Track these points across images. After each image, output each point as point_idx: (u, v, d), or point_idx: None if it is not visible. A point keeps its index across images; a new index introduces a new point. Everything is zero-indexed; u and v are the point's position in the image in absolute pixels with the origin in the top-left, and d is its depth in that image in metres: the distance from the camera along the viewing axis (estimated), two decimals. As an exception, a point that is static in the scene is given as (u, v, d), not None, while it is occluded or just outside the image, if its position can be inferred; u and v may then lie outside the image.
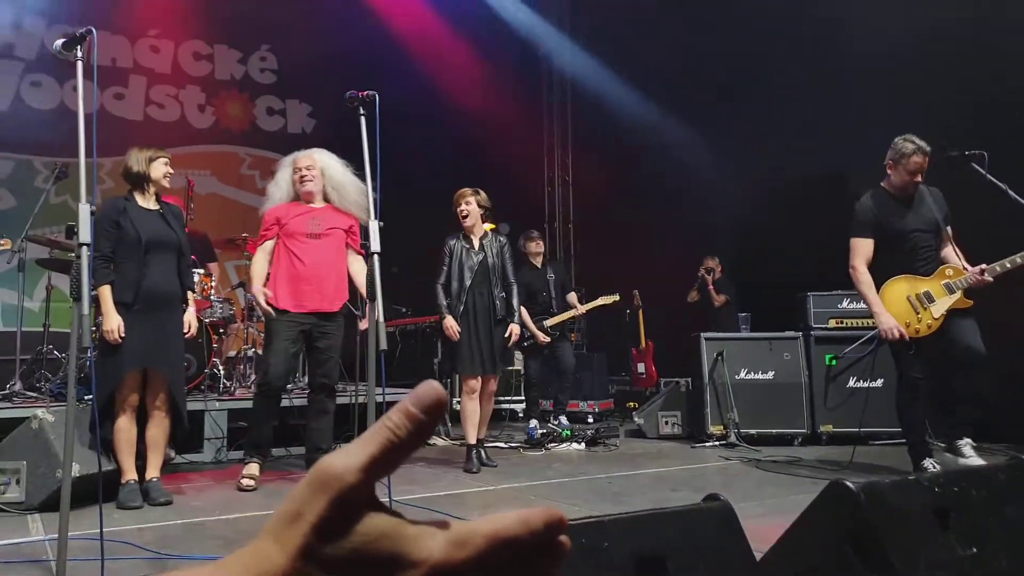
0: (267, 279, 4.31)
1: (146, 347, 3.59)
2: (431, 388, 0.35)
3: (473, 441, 4.68)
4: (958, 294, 3.93)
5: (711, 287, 7.56)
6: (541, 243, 6.88)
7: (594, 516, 1.20)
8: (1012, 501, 1.41)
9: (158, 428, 3.72)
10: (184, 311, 3.86)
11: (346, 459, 0.34)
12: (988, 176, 3.72)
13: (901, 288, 3.99)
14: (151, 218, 3.70)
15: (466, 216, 4.69)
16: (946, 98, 5.68)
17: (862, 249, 4.07)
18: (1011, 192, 3.58)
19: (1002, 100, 5.42)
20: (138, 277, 3.59)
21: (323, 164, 4.36)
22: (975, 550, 1.31)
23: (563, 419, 6.98)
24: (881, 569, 1.29)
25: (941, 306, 3.92)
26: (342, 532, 0.33)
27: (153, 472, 3.70)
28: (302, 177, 4.29)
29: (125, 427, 3.61)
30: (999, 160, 3.97)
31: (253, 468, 4.12)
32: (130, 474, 3.62)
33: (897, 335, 3.90)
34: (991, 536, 1.35)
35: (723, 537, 1.23)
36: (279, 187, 4.40)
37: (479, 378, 4.66)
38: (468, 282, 4.63)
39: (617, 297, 6.80)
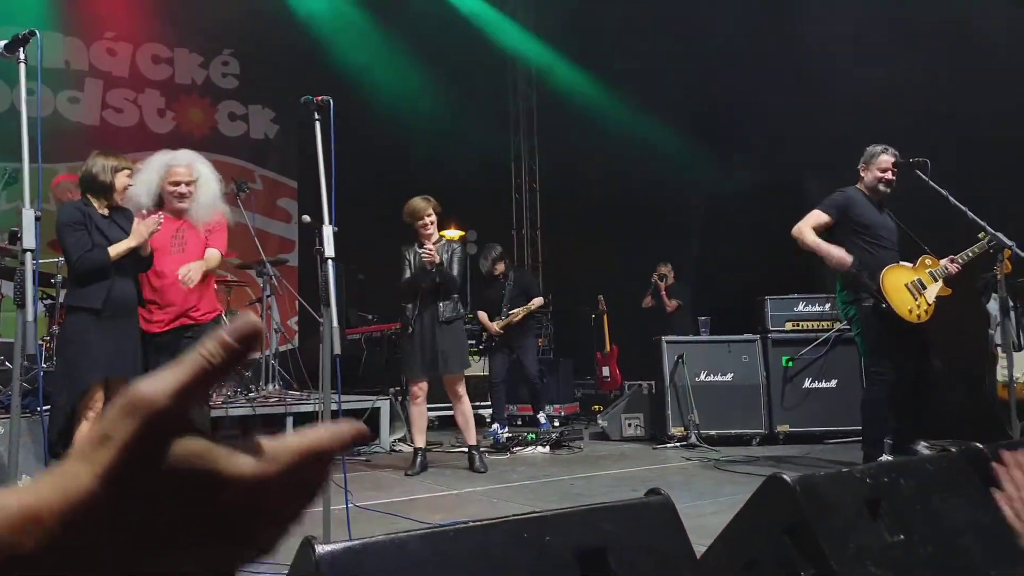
0: None
1: (110, 357, 3.52)
2: (248, 320, 0.36)
3: (421, 445, 4.75)
4: (940, 282, 4.18)
5: (663, 293, 7.70)
6: (501, 263, 6.99)
7: (537, 511, 1.23)
8: (938, 491, 1.47)
9: None
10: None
11: (156, 384, 0.34)
12: (931, 183, 3.86)
13: (900, 275, 4.14)
14: (109, 225, 3.63)
15: (427, 227, 4.67)
16: (901, 112, 5.85)
17: (816, 217, 4.26)
18: (952, 199, 3.72)
19: (953, 114, 5.62)
20: (108, 284, 3.51)
21: (202, 178, 3.90)
22: (903, 537, 1.37)
23: (541, 417, 6.98)
24: (815, 558, 1.34)
25: (932, 293, 4.14)
26: (152, 455, 0.33)
27: None
28: (180, 194, 3.80)
29: None
30: (946, 168, 4.14)
31: None
32: None
33: (849, 261, 4.07)
34: (918, 524, 1.41)
35: (663, 530, 1.27)
36: (143, 190, 3.81)
37: (423, 383, 4.71)
38: (421, 286, 4.68)
39: (541, 301, 6.87)
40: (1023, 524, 1.14)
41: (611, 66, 8.60)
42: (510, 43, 10.31)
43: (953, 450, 1.79)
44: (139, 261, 3.75)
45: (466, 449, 4.96)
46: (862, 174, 4.36)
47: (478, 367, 8.06)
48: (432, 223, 4.68)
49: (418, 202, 4.71)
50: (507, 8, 10.07)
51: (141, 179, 3.80)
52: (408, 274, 4.67)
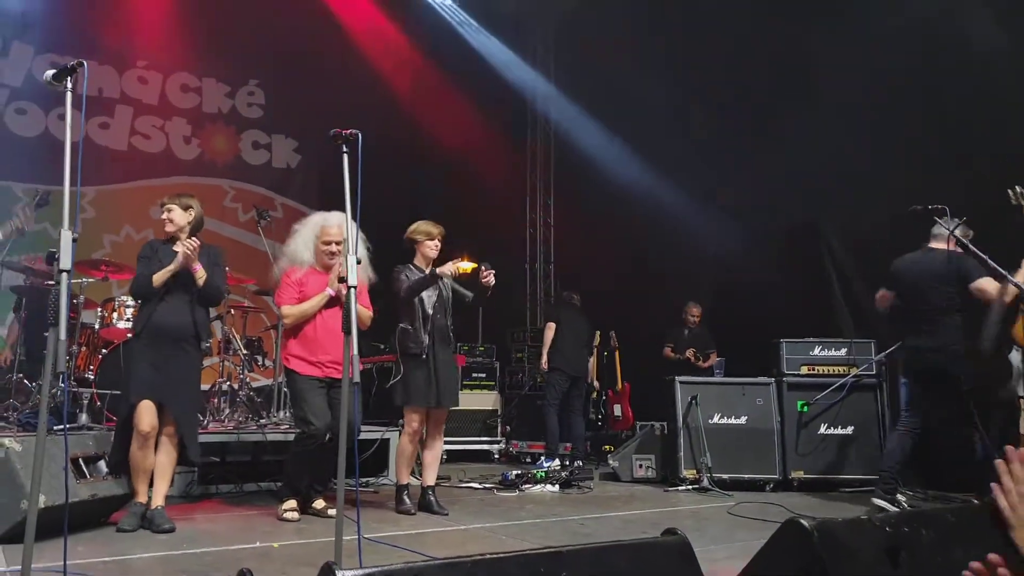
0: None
1: (155, 379, 3.76)
2: None
3: (405, 481, 4.57)
4: None
5: (701, 364, 7.35)
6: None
7: (553, 546, 1.23)
8: (961, 542, 1.46)
9: (166, 456, 3.85)
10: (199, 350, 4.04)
11: None
12: (950, 231, 3.86)
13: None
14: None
15: (438, 247, 4.65)
16: (917, 151, 5.88)
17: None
18: (972, 246, 3.72)
19: (971, 154, 5.64)
20: (149, 311, 3.82)
21: (345, 222, 4.39)
22: (923, 588, 1.35)
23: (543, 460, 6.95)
24: (832, 606, 1.33)
25: None
26: None
27: (158, 500, 3.82)
28: (331, 252, 4.28)
29: (138, 457, 3.75)
30: (961, 212, 4.14)
31: (292, 503, 4.19)
32: (140, 497, 3.78)
33: None
34: (938, 575, 1.39)
35: (679, 571, 1.27)
36: (301, 248, 4.34)
37: (426, 413, 4.55)
38: (430, 311, 4.55)
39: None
40: (1017, 517, 1.15)
41: (627, 110, 8.67)
42: (528, 81, 10.51)
43: (975, 501, 1.78)
44: (201, 294, 3.90)
45: (477, 486, 4.89)
46: (949, 244, 4.36)
47: (489, 401, 8.05)
48: (438, 248, 4.67)
49: (429, 225, 4.69)
50: (527, 49, 10.28)
51: (300, 237, 4.35)
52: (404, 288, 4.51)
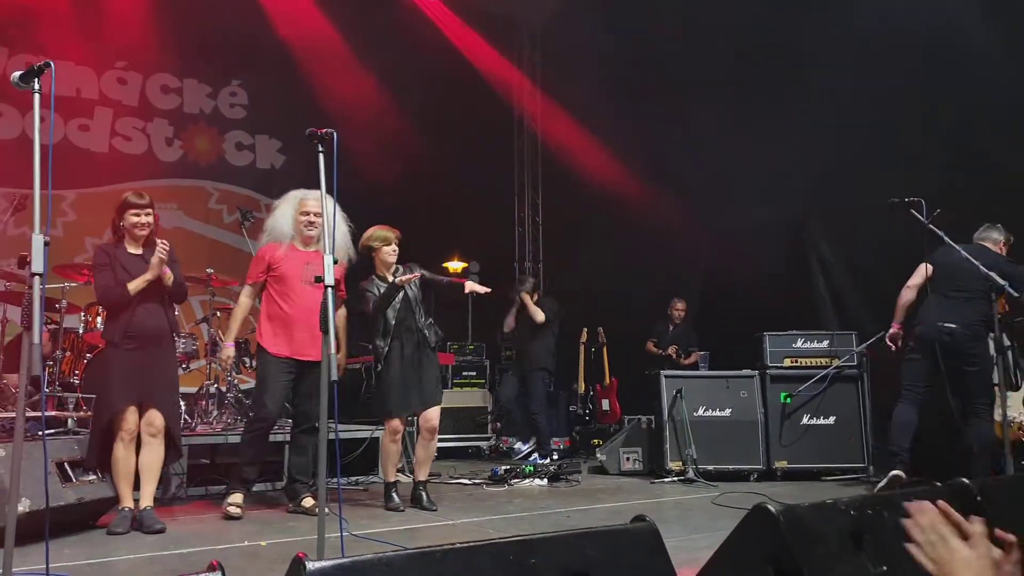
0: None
1: (138, 384, 3.77)
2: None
3: (392, 479, 4.58)
4: None
5: (683, 361, 7.49)
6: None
7: (522, 534, 1.26)
8: (923, 524, 1.49)
9: (152, 455, 3.86)
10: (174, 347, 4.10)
11: None
12: (926, 222, 3.91)
13: None
14: (136, 262, 3.83)
15: (393, 254, 4.53)
16: (916, 151, 5.93)
17: None
18: (947, 238, 3.77)
19: (952, 154, 5.70)
20: (126, 318, 3.78)
21: (329, 214, 4.31)
22: (886, 569, 1.39)
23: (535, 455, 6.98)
24: (798, 588, 1.36)
25: None
26: None
27: (147, 501, 3.82)
28: (310, 222, 4.27)
29: (121, 457, 3.77)
30: (947, 207, 4.19)
31: (238, 497, 4.18)
32: (125, 502, 3.79)
33: None
34: (901, 556, 1.42)
35: (647, 556, 1.29)
36: (279, 222, 4.33)
37: (404, 420, 4.57)
38: (393, 320, 4.46)
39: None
40: (941, 569, 1.10)
41: (614, 107, 8.68)
42: (514, 79, 10.52)
43: (938, 484, 1.81)
44: (172, 293, 3.93)
45: (467, 482, 4.90)
46: (1002, 248, 4.55)
47: (478, 399, 8.07)
48: (396, 251, 4.56)
49: (385, 230, 4.57)
50: (512, 48, 10.30)
51: (280, 211, 4.35)
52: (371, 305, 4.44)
